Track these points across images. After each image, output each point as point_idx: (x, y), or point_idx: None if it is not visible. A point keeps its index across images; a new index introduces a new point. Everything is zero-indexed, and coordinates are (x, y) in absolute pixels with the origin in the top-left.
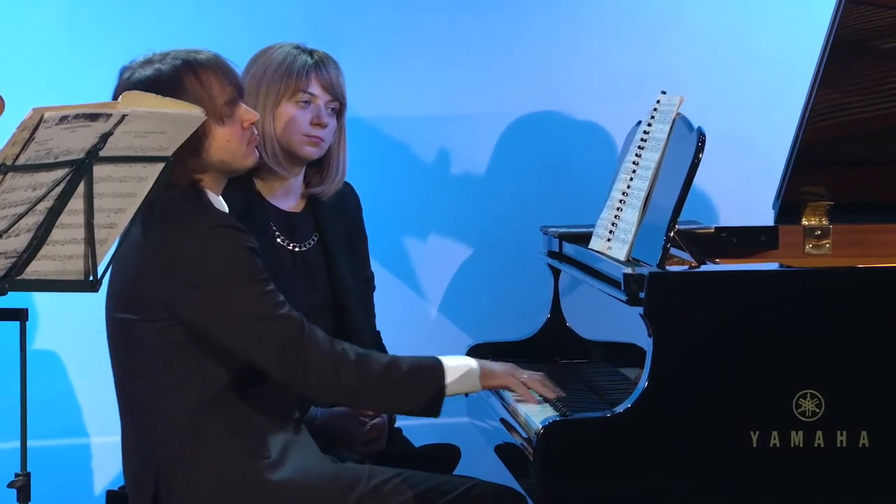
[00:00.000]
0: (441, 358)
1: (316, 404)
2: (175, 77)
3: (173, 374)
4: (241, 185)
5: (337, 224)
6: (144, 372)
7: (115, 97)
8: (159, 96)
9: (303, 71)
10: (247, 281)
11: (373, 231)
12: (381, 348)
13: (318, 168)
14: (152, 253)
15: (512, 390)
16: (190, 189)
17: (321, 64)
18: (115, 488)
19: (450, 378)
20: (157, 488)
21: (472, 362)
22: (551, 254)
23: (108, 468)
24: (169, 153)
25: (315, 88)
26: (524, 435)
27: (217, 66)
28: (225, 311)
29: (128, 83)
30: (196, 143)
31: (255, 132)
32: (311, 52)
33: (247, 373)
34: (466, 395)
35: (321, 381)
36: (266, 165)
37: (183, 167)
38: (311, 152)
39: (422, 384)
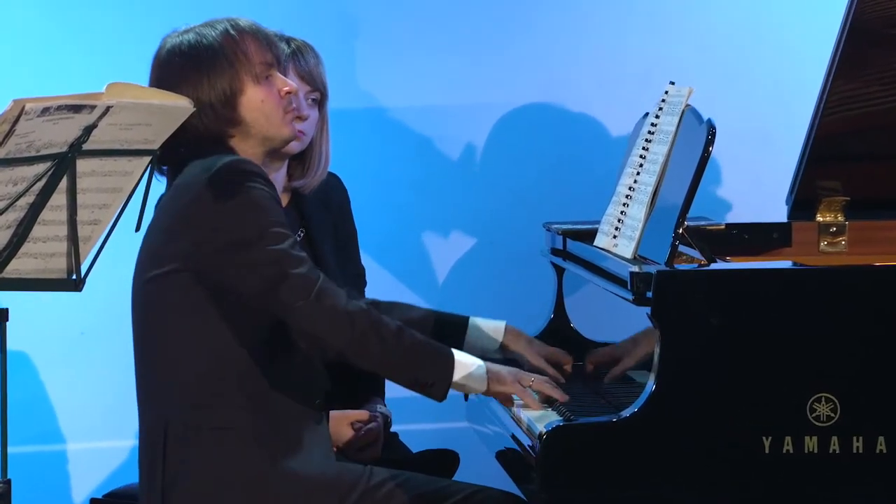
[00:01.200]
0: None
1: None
2: (214, 38)
3: (192, 335)
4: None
5: (323, 218)
6: (162, 332)
7: (153, 69)
8: (144, 87)
9: None
10: (269, 225)
11: (366, 226)
12: None
13: (301, 160)
14: (173, 199)
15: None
16: (220, 149)
17: (299, 53)
18: (100, 496)
19: (459, 368)
20: (165, 453)
21: (480, 361)
22: (555, 251)
23: (87, 475)
24: (155, 146)
25: (293, 79)
26: (526, 440)
27: (257, 31)
28: (241, 253)
29: (165, 51)
30: (230, 96)
31: (294, 105)
32: (287, 41)
33: (271, 348)
34: (466, 397)
35: (335, 326)
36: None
37: (213, 118)
38: (293, 146)
39: (431, 357)
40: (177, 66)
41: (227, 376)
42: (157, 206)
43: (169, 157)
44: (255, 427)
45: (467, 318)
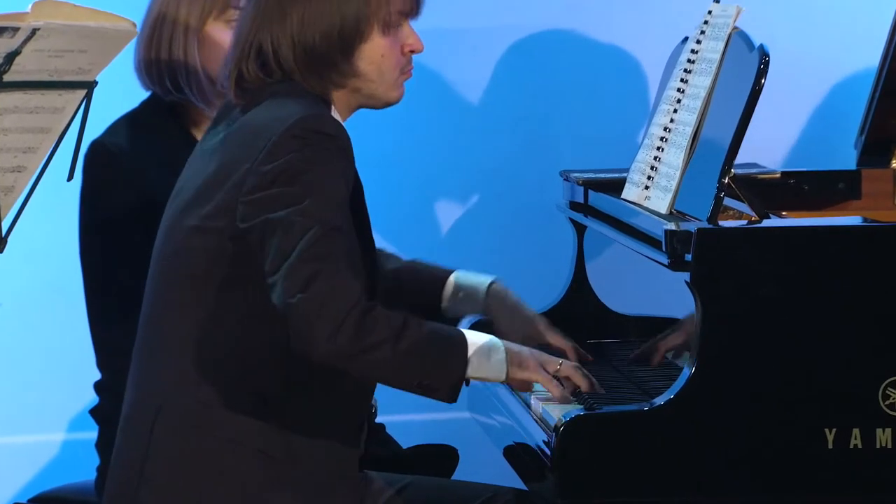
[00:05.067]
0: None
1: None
2: None
3: (211, 307)
4: (168, 124)
5: None
6: (186, 293)
7: None
8: (78, 6)
9: None
10: (329, 199)
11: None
12: None
13: None
14: (239, 139)
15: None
16: (311, 93)
17: None
18: (24, 501)
19: (472, 359)
20: (150, 443)
21: (496, 341)
22: (574, 205)
23: (6, 475)
24: (91, 77)
25: None
26: (540, 434)
27: None
28: (292, 220)
29: None
30: (350, 42)
31: (412, 66)
32: None
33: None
34: (468, 382)
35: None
36: (190, 104)
37: (318, 56)
38: None
39: (441, 353)
40: None
41: (240, 379)
42: (221, 140)
43: (245, 82)
44: (263, 442)
45: (448, 275)
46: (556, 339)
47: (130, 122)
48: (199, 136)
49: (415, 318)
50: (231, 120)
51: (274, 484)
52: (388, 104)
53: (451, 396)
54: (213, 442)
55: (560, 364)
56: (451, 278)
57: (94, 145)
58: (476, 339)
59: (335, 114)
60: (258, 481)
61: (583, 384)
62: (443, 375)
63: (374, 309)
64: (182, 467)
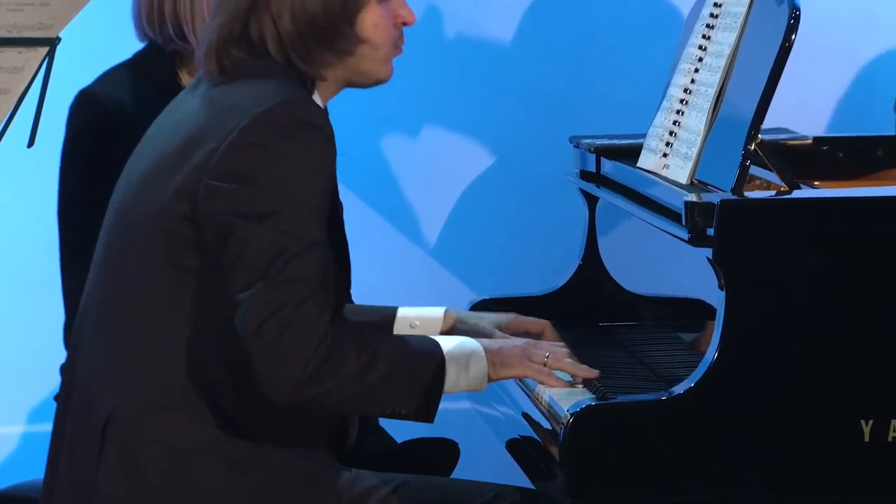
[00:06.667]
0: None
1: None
2: None
3: (158, 302)
4: (160, 75)
5: None
6: (139, 288)
7: None
8: None
9: None
10: (310, 208)
11: (342, 141)
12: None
13: None
14: (211, 114)
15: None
16: (293, 75)
17: None
18: None
19: (450, 362)
20: (101, 450)
21: (474, 343)
22: (585, 175)
23: None
24: (54, 33)
25: None
26: (547, 425)
27: None
28: (259, 231)
29: None
30: (352, 8)
31: (403, 41)
32: None
33: None
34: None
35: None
36: (192, 54)
37: (329, 38)
38: None
39: (413, 378)
40: None
41: (201, 380)
42: (187, 113)
43: (227, 59)
44: (230, 451)
45: (393, 313)
46: (530, 321)
47: (129, 71)
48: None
49: (387, 344)
50: (200, 92)
51: (243, 495)
52: (378, 81)
53: (426, 418)
54: (171, 453)
55: (548, 354)
56: (399, 312)
57: (84, 95)
58: (454, 348)
59: (317, 98)
60: (228, 494)
61: (578, 372)
62: (414, 403)
63: (341, 340)
64: (139, 483)
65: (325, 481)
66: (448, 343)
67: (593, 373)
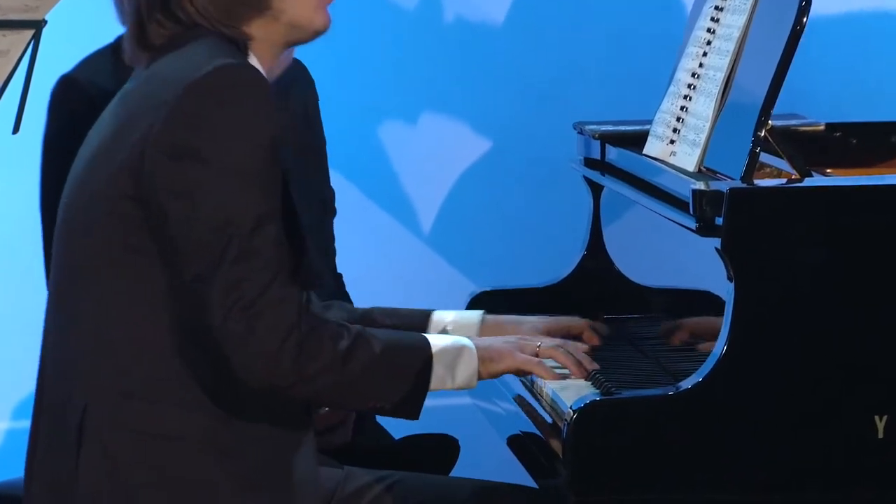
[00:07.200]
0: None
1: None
2: None
3: (134, 291)
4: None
5: (281, 117)
6: (95, 280)
7: None
8: None
9: None
10: (256, 179)
11: (338, 129)
12: (344, 296)
13: None
14: (143, 94)
15: (527, 373)
16: (226, 40)
17: None
18: None
19: (438, 360)
20: (79, 452)
21: (465, 342)
22: (589, 162)
23: None
24: (40, 15)
25: None
26: (550, 421)
27: None
28: (203, 211)
29: None
30: None
31: None
32: None
33: None
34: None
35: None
36: None
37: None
38: None
39: (397, 373)
40: None
41: (174, 362)
42: (118, 99)
43: (145, 35)
44: (211, 435)
45: (428, 315)
46: (570, 320)
47: (111, 55)
48: None
49: (367, 334)
50: (135, 76)
51: (226, 482)
52: (316, 32)
53: (410, 415)
54: (152, 443)
55: (539, 345)
56: (435, 316)
57: (66, 81)
58: (443, 343)
59: (255, 62)
60: (217, 482)
61: (568, 364)
62: (398, 396)
63: (317, 328)
64: (121, 477)
65: (311, 472)
66: (438, 339)
67: (592, 364)
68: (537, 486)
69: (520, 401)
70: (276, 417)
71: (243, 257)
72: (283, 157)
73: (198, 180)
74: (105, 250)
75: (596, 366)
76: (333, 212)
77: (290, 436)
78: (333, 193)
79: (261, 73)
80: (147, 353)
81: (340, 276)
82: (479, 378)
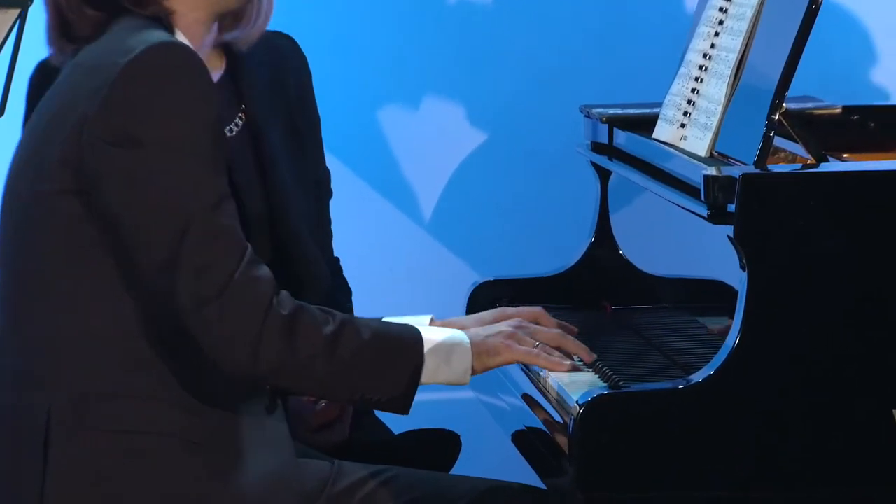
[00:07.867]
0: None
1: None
2: None
3: (87, 287)
4: None
5: (272, 96)
6: (44, 277)
7: None
8: None
9: None
10: (197, 159)
11: (333, 109)
12: (341, 281)
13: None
14: (71, 84)
15: (527, 364)
16: (151, 21)
17: None
18: None
19: (430, 351)
20: (46, 458)
21: (460, 334)
22: (596, 146)
23: None
24: None
25: None
26: (556, 416)
27: None
28: (152, 195)
29: None
30: None
31: None
32: None
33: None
34: None
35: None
36: None
37: None
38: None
39: (386, 363)
40: None
41: (138, 355)
42: (48, 94)
43: (65, 24)
44: (183, 427)
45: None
46: (519, 310)
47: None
48: None
49: (354, 320)
50: (63, 69)
51: (205, 473)
52: (240, 2)
53: (401, 409)
54: (122, 439)
55: (536, 333)
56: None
57: (45, 66)
58: (436, 336)
59: (183, 38)
60: (190, 475)
61: (578, 351)
62: (388, 388)
63: (298, 311)
64: (93, 476)
65: (288, 465)
66: (431, 332)
67: (591, 356)
68: (543, 484)
69: (524, 396)
70: (244, 408)
71: (208, 239)
72: (270, 141)
73: (144, 165)
74: (51, 250)
75: (594, 356)
76: (329, 192)
77: (260, 426)
78: (329, 173)
79: (192, 49)
80: (108, 349)
81: (337, 259)
82: (473, 373)
